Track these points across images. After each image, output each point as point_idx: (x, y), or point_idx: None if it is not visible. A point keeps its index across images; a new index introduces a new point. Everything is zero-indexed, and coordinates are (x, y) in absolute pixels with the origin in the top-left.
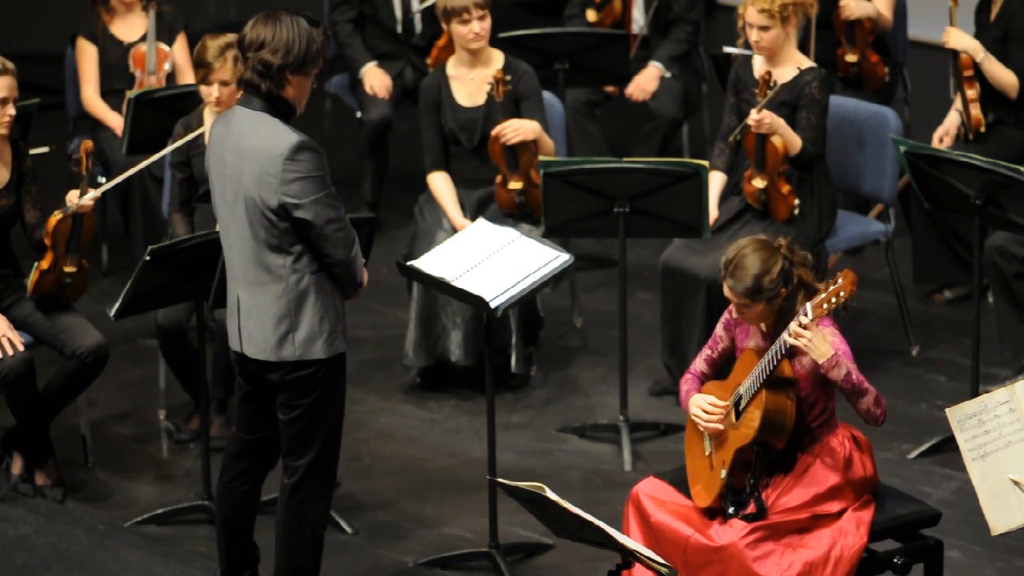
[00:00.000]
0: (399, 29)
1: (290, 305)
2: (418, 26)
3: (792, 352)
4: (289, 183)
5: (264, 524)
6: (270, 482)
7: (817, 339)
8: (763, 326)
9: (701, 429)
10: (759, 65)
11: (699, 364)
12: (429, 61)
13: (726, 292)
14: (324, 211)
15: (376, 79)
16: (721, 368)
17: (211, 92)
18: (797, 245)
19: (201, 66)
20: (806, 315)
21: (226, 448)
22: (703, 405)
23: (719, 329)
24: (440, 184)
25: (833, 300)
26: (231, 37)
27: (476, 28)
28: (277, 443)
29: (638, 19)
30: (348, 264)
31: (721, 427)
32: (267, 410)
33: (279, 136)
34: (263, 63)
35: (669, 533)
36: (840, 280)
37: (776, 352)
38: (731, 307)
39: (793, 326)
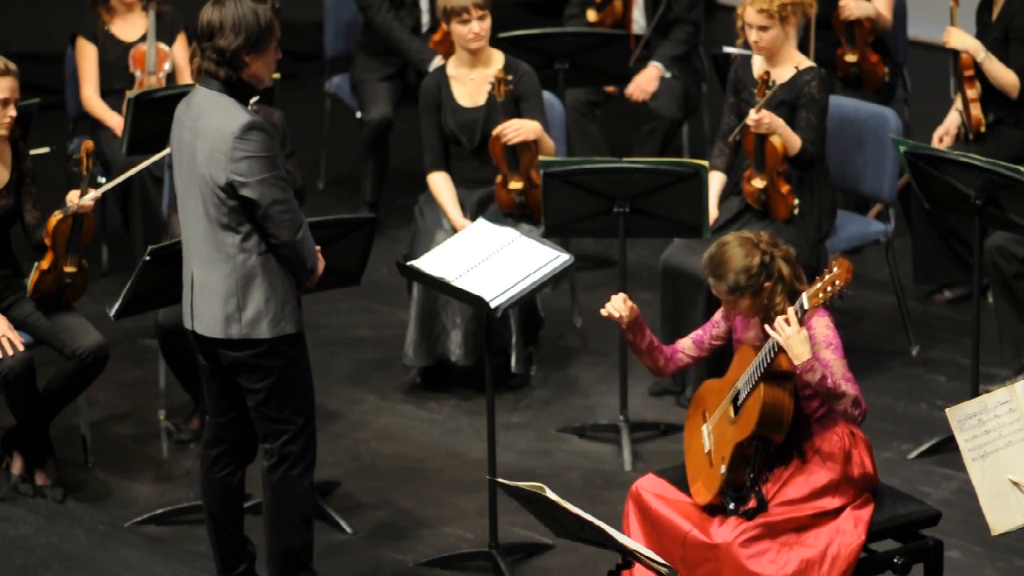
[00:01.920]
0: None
1: (238, 284)
2: (425, 22)
3: None
4: (237, 161)
5: (260, 525)
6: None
7: (796, 339)
8: (760, 318)
9: (605, 313)
10: (758, 65)
11: (685, 340)
12: None
13: (711, 288)
14: (270, 191)
15: None
16: (710, 352)
17: None
18: (778, 238)
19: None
20: (803, 305)
21: (203, 438)
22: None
23: (717, 315)
24: (440, 184)
25: (829, 289)
26: None
27: (476, 28)
28: (249, 426)
29: (638, 19)
30: (293, 246)
31: (623, 312)
32: (234, 388)
33: (232, 115)
34: (217, 50)
35: (669, 527)
36: (836, 269)
37: (772, 347)
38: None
39: (779, 319)
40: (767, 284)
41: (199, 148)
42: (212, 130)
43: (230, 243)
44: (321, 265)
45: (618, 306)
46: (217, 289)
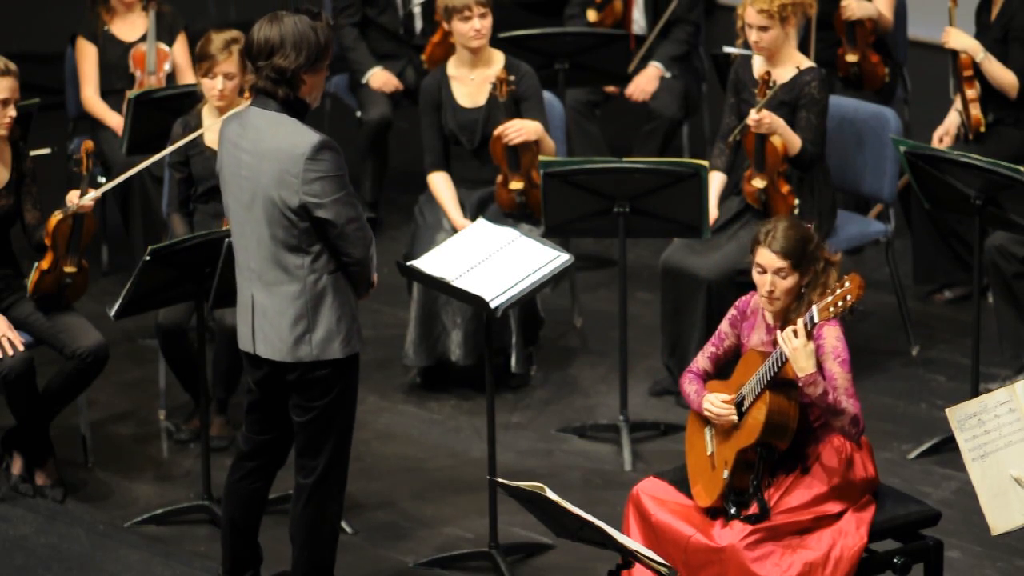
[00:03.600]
0: (401, 31)
1: (307, 305)
2: (418, 25)
3: None
4: (311, 183)
5: (264, 524)
6: (274, 481)
7: (802, 352)
8: (769, 319)
9: (716, 422)
10: (759, 65)
11: (702, 362)
12: (424, 57)
13: (765, 259)
14: (345, 210)
15: (381, 81)
16: (725, 366)
17: (214, 85)
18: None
19: (204, 59)
20: (813, 318)
21: (237, 448)
22: (715, 402)
23: (724, 326)
24: (440, 184)
25: (840, 304)
26: (236, 33)
27: (477, 25)
28: (288, 442)
29: (638, 19)
30: (366, 263)
31: (735, 419)
32: (278, 412)
33: (300, 136)
34: (277, 70)
35: (670, 533)
36: (847, 284)
37: (780, 355)
38: (736, 304)
39: (788, 330)
40: (812, 268)
41: (264, 171)
42: (279, 152)
43: (299, 264)
44: (375, 278)
45: (724, 410)
46: (284, 312)
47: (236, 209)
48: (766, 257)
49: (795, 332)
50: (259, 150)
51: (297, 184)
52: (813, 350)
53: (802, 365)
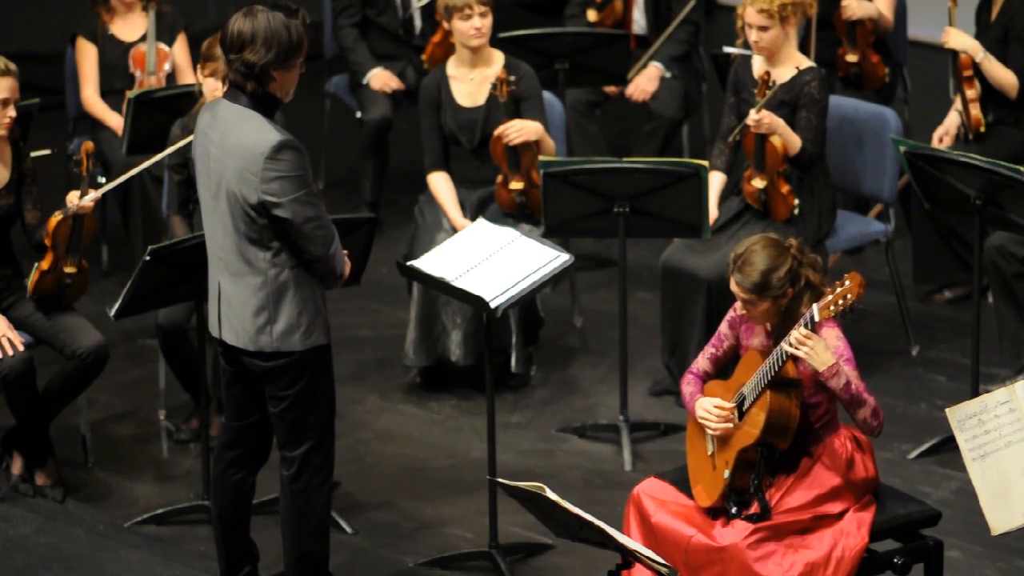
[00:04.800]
0: (401, 32)
1: (269, 298)
2: (418, 25)
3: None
4: (269, 181)
5: (264, 524)
6: (271, 482)
7: (819, 347)
8: (768, 325)
9: (710, 432)
10: (758, 65)
11: (702, 363)
12: (424, 57)
13: (733, 287)
14: (303, 210)
15: (382, 82)
16: (725, 367)
17: (219, 87)
18: (806, 247)
19: (211, 59)
20: (813, 317)
21: (217, 439)
22: (708, 408)
23: (724, 327)
24: (440, 184)
25: (840, 303)
26: None
27: (477, 23)
28: (267, 430)
29: (638, 19)
30: (326, 260)
31: (730, 426)
32: (254, 393)
33: (262, 134)
34: (246, 64)
35: (670, 533)
36: (848, 282)
37: (781, 355)
38: (736, 305)
39: (795, 334)
40: (789, 290)
41: (228, 166)
42: (241, 148)
43: (261, 258)
44: (347, 268)
45: (716, 416)
46: (247, 302)
47: (205, 198)
48: (732, 285)
49: (805, 336)
50: (224, 144)
51: (256, 182)
52: (826, 343)
53: (824, 359)
